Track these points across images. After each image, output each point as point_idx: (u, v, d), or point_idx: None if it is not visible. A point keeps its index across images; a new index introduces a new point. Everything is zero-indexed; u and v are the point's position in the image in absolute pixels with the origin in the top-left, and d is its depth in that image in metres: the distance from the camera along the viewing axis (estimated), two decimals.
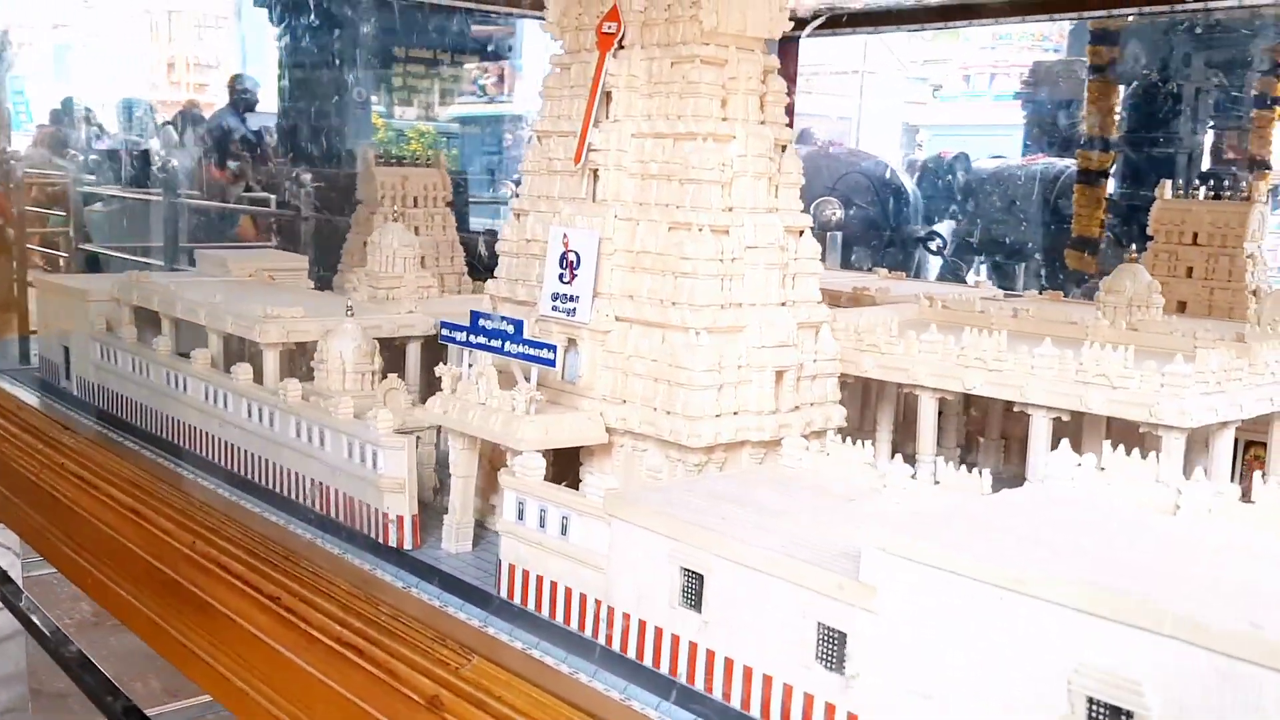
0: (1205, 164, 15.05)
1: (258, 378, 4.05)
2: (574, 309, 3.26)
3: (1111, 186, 15.44)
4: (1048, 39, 23.44)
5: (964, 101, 22.62)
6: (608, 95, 3.32)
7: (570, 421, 3.13)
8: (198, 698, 6.11)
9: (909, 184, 15.29)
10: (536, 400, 3.10)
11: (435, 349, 4.46)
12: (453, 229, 6.61)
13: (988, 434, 3.89)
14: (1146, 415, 2.95)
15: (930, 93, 22.87)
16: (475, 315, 3.26)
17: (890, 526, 2.15)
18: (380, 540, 3.35)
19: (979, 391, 3.34)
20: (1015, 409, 3.31)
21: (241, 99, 18.27)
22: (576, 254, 3.26)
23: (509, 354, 3.15)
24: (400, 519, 3.33)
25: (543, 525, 2.87)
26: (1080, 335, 3.87)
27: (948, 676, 2.02)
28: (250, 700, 3.25)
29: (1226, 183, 6.09)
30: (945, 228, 14.51)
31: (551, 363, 3.04)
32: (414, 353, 4.41)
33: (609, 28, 3.28)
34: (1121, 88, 14.90)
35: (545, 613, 2.87)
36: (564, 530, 2.81)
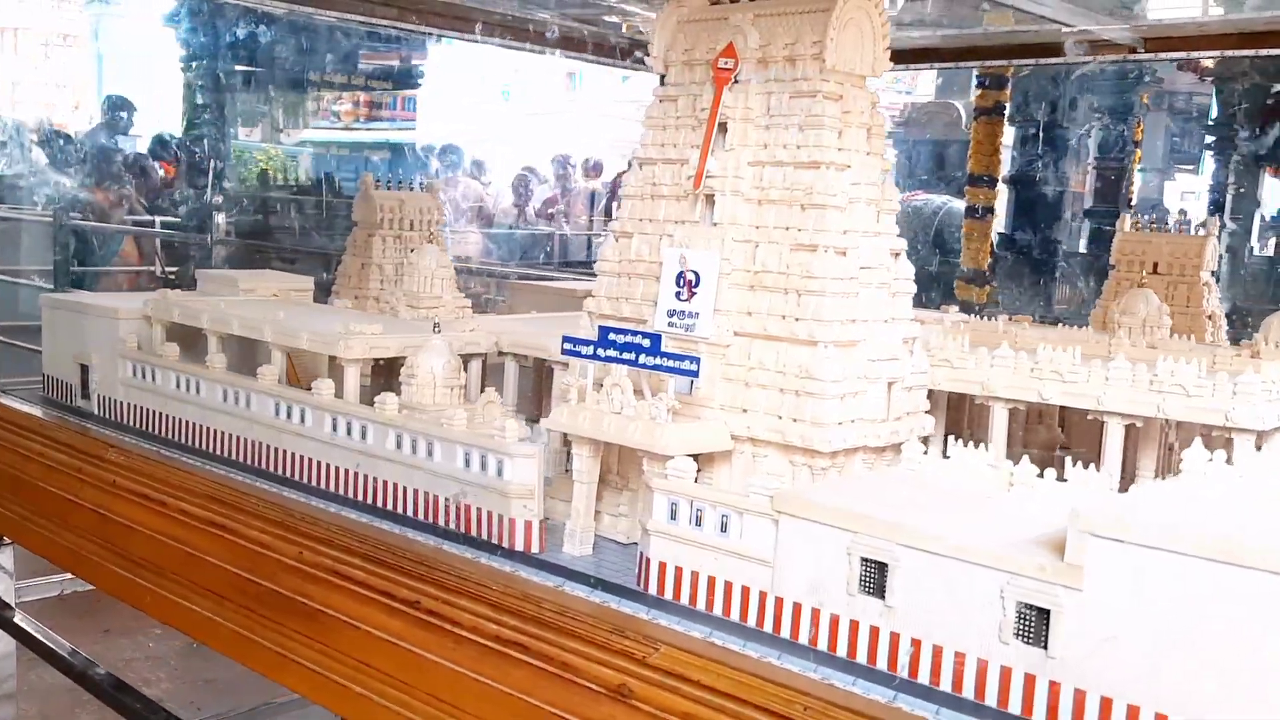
0: (1088, 202, 16.00)
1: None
2: (693, 324, 3.47)
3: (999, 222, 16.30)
4: (900, 81, 24.61)
5: None
6: (722, 126, 3.55)
7: (703, 429, 3.33)
8: None
9: None
10: (675, 409, 3.30)
11: (495, 366, 4.62)
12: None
13: (1053, 443, 4.21)
14: (1223, 420, 3.31)
15: None
16: (604, 330, 3.44)
17: (1089, 510, 2.42)
18: (506, 545, 3.49)
19: (1055, 401, 3.67)
20: (1089, 417, 3.64)
21: (117, 119, 17.84)
22: (695, 273, 3.48)
23: (644, 366, 3.34)
24: (529, 524, 3.47)
25: (698, 524, 3.07)
26: (1103, 352, 4.25)
27: (1158, 649, 2.30)
28: (374, 705, 3.35)
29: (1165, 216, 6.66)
30: None
31: (695, 374, 3.25)
32: (475, 369, 4.54)
33: (726, 64, 3.52)
34: (1008, 129, 15.80)
35: (702, 606, 3.06)
36: (724, 528, 3.02)
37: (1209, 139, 17.56)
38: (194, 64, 16.93)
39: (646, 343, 3.33)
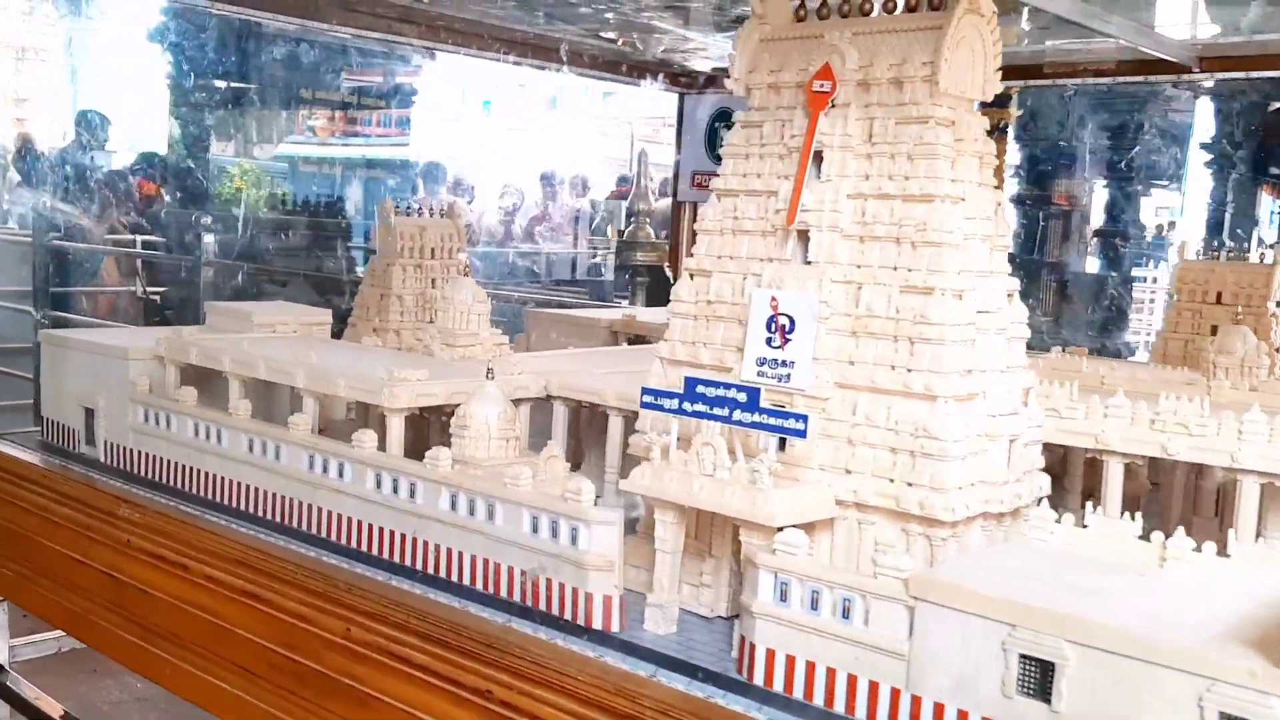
0: (1099, 222, 15.78)
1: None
2: (788, 374, 3.12)
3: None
4: None
5: None
6: (817, 155, 3.21)
7: (808, 495, 2.98)
8: None
9: None
10: (776, 471, 2.95)
11: (545, 410, 4.26)
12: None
13: (1139, 491, 3.89)
14: None
15: None
16: (691, 382, 3.09)
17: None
18: (583, 623, 3.12)
19: (1182, 457, 3.34)
20: (1220, 474, 3.31)
21: (91, 136, 17.38)
22: (790, 318, 3.13)
23: (740, 424, 2.99)
24: (608, 600, 3.11)
25: (815, 608, 2.71)
26: (1197, 393, 3.92)
27: None
28: None
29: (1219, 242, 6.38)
30: None
31: (802, 433, 2.89)
32: (524, 415, 4.17)
33: (821, 86, 3.18)
34: (1013, 148, 15.56)
35: (819, 702, 2.70)
36: (846, 614, 2.66)
37: (1206, 157, 17.40)
38: (180, 79, 16.49)
39: (743, 397, 2.97)
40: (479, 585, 3.39)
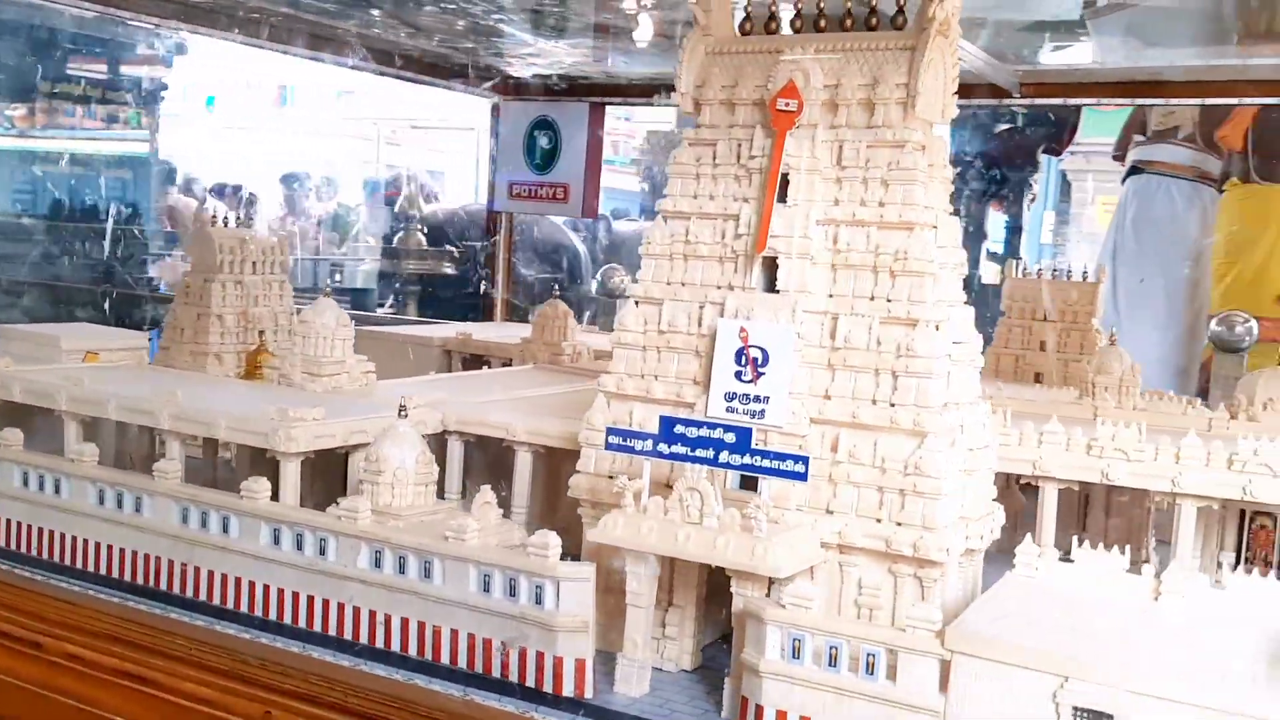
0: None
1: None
2: (762, 410, 2.94)
3: None
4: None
5: None
6: (782, 178, 3.04)
7: (804, 539, 2.80)
8: None
9: (578, 244, 15.53)
10: (769, 518, 2.75)
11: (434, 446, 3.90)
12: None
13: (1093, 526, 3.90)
14: None
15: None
16: (668, 421, 2.85)
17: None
18: (551, 690, 2.83)
19: (1123, 483, 3.38)
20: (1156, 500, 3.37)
21: None
22: (763, 350, 2.95)
23: (729, 466, 2.78)
24: (580, 664, 2.82)
25: (833, 665, 2.54)
26: (1089, 415, 4.04)
27: None
28: None
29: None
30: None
31: (803, 476, 2.71)
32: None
33: (786, 105, 3.01)
34: None
35: None
36: (870, 670, 2.50)
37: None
38: None
39: (731, 438, 2.76)
40: (416, 652, 3.03)
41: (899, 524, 2.83)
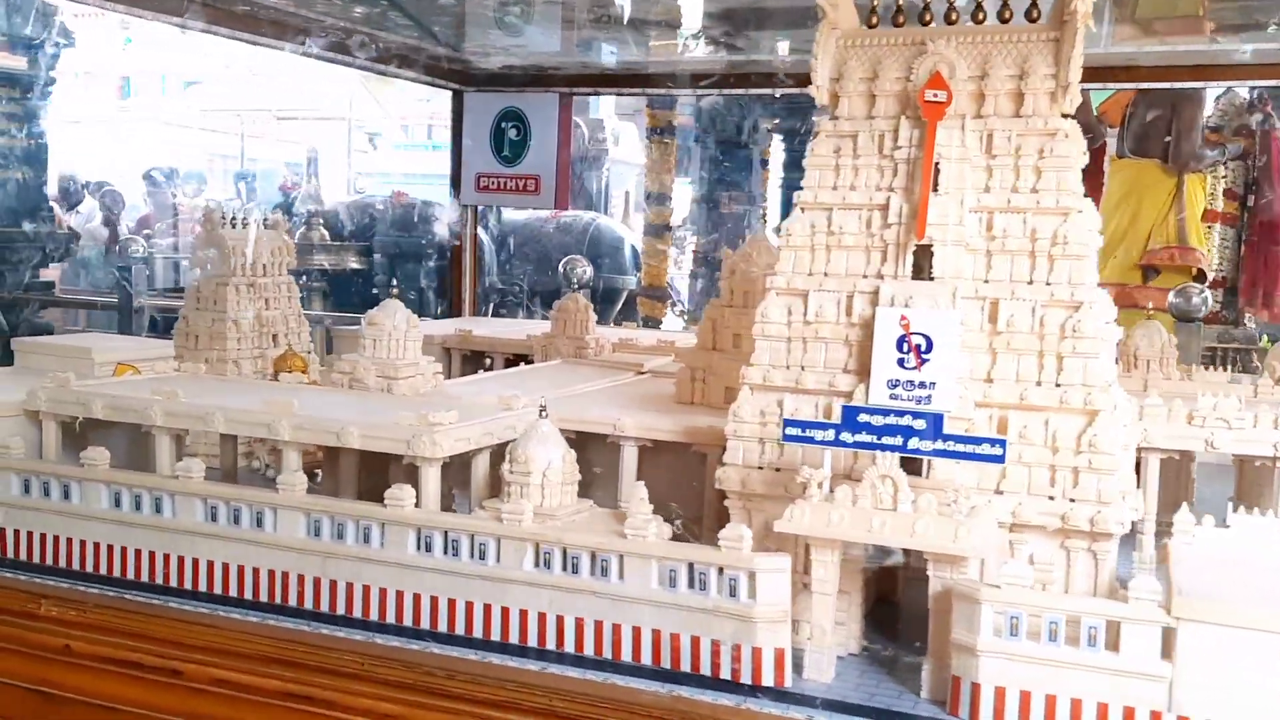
0: (777, 219, 16.69)
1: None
2: (928, 396, 3.01)
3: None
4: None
5: (403, 151, 23.05)
6: (931, 167, 3.10)
7: (988, 521, 2.88)
8: None
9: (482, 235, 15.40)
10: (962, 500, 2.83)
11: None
12: (297, 300, 5.69)
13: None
14: None
15: (368, 140, 23.30)
16: (851, 410, 2.89)
17: None
18: (750, 680, 2.85)
19: (1227, 449, 3.56)
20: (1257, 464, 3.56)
21: None
22: (926, 337, 3.02)
23: (919, 453, 2.84)
24: (780, 653, 2.85)
25: (1053, 639, 2.63)
26: (1137, 387, 4.24)
27: None
28: None
29: None
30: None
31: (1000, 459, 2.78)
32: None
33: (935, 95, 3.08)
34: (696, 149, 16.19)
35: None
36: (1091, 642, 2.60)
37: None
38: None
39: (921, 424, 2.82)
40: (593, 651, 3.01)
41: (1073, 500, 2.93)
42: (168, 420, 3.54)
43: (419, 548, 3.19)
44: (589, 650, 3.03)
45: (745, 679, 2.86)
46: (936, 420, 2.83)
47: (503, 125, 7.84)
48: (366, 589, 3.24)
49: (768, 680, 2.85)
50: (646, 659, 2.97)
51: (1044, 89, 3.05)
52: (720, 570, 2.88)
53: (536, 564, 3.08)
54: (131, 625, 3.20)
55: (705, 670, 2.91)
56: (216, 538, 3.40)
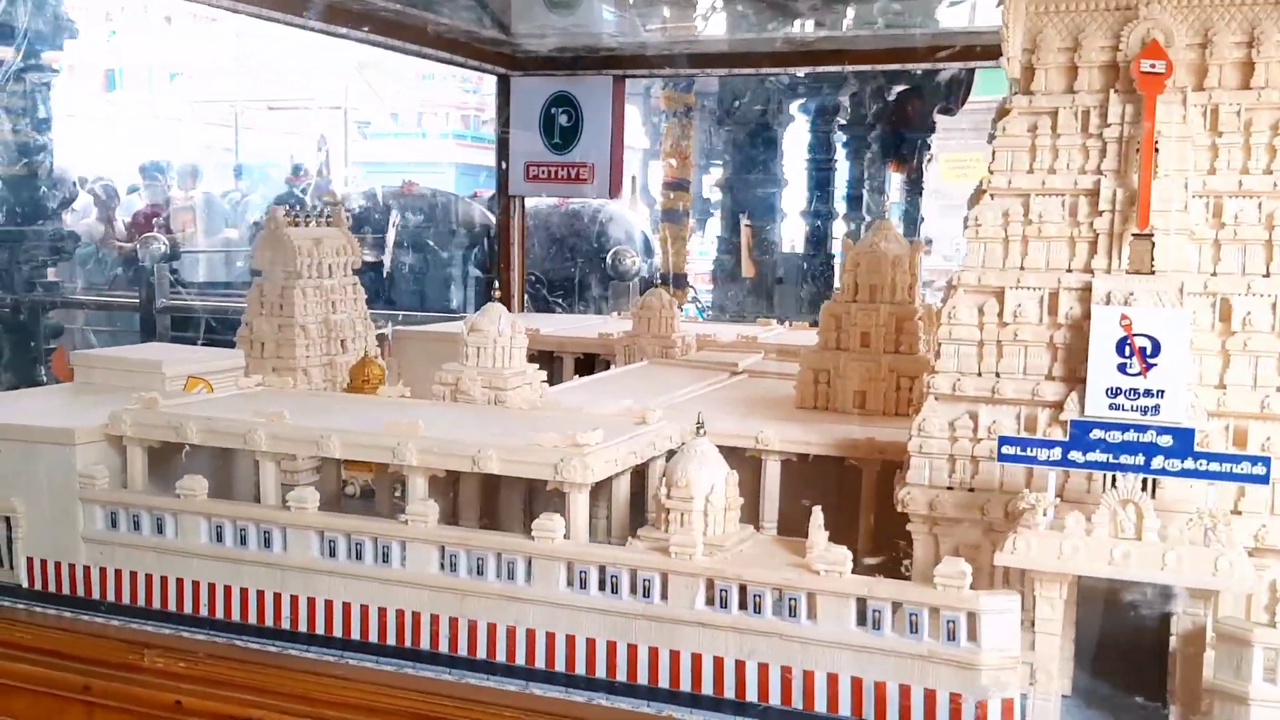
0: (804, 203, 16.33)
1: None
2: (1156, 405, 2.65)
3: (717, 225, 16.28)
4: (468, 81, 24.39)
5: (391, 140, 22.63)
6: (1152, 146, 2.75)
7: (1241, 548, 2.53)
8: None
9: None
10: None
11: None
12: (363, 302, 5.33)
13: None
14: None
15: (359, 130, 22.92)
16: (1082, 426, 2.55)
17: None
18: None
19: None
20: None
21: None
22: (1151, 339, 2.66)
23: (1165, 473, 2.49)
24: (1009, 705, 2.51)
25: None
26: None
27: None
28: None
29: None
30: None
31: (1265, 479, 2.43)
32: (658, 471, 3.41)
33: (1153, 66, 2.72)
34: (721, 131, 15.82)
35: None
36: None
37: (843, 138, 18.51)
38: None
39: (1167, 440, 2.47)
40: (780, 701, 2.66)
41: None
42: (273, 445, 3.18)
43: (574, 584, 2.83)
44: (774, 700, 2.68)
45: None
46: (1185, 436, 2.48)
47: (552, 111, 7.46)
48: (511, 631, 2.89)
49: None
50: (845, 709, 2.62)
51: (1277, 57, 2.70)
52: (935, 611, 2.53)
53: (710, 603, 2.73)
54: (251, 678, 2.85)
55: None
56: (336, 575, 3.04)
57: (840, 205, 16.05)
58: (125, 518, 3.29)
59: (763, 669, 2.68)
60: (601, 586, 2.82)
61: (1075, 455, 2.54)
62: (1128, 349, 2.69)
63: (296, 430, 3.17)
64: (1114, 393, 2.69)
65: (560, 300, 13.32)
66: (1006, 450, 2.61)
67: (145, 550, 3.26)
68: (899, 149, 17.10)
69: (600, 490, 3.14)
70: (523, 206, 7.86)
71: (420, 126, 23.31)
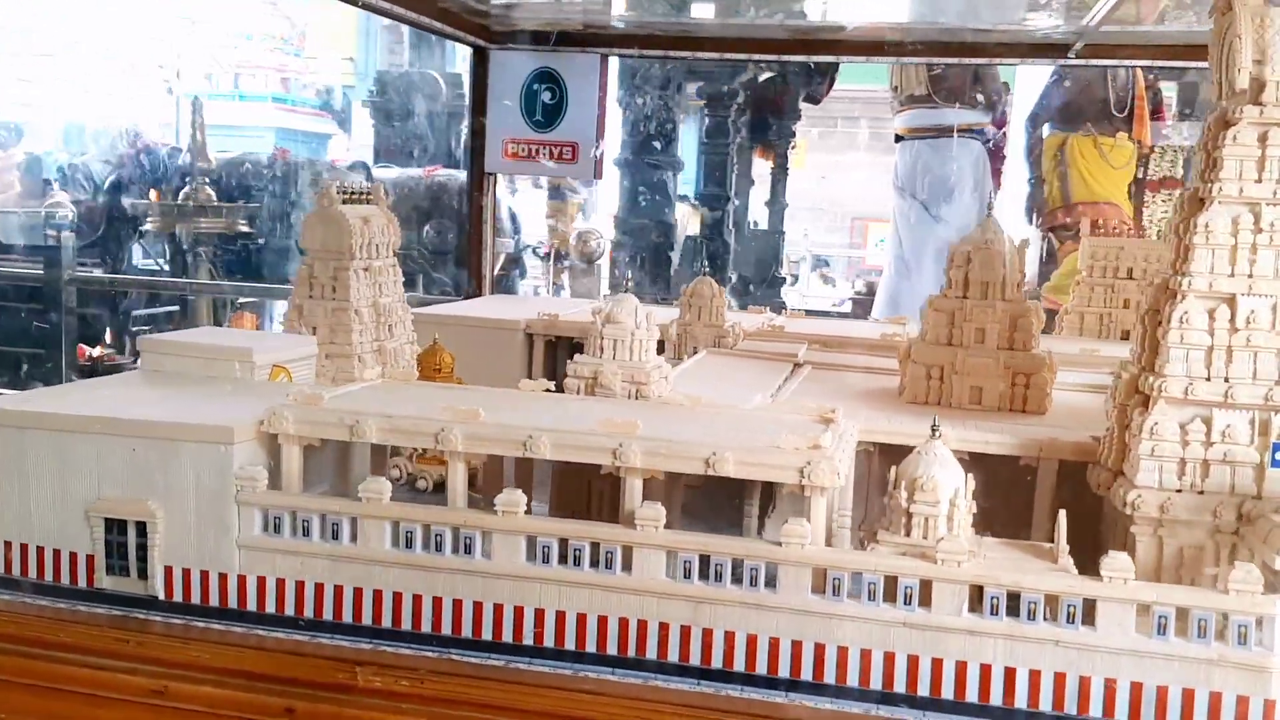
0: (699, 186, 16.39)
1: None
2: None
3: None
4: (289, 41, 23.78)
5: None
6: None
7: None
8: None
9: None
10: None
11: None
12: (401, 284, 5.09)
13: None
14: None
15: (168, 91, 22.11)
16: None
17: None
18: None
19: None
20: None
21: None
22: None
23: None
24: None
25: None
26: None
27: None
28: None
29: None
30: None
31: None
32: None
33: None
34: (619, 112, 15.74)
35: None
36: None
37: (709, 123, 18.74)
38: None
39: None
40: (1052, 707, 2.66)
41: None
42: (470, 445, 2.98)
43: (827, 591, 2.76)
44: (1045, 706, 2.68)
45: None
46: None
47: (535, 87, 7.25)
48: (752, 640, 2.80)
49: None
50: (1122, 716, 2.64)
51: None
52: (1224, 616, 2.57)
53: (977, 610, 2.70)
54: (488, 695, 2.67)
55: None
56: (549, 582, 2.88)
57: (715, 190, 16.14)
58: (291, 522, 3.03)
59: (1034, 675, 2.68)
60: (863, 594, 2.75)
61: None
62: None
63: (498, 430, 2.98)
64: None
65: (446, 280, 13.03)
66: None
67: (318, 558, 3.01)
68: (765, 135, 17.26)
69: (752, 490, 3.08)
70: (495, 184, 7.63)
71: (237, 88, 22.39)
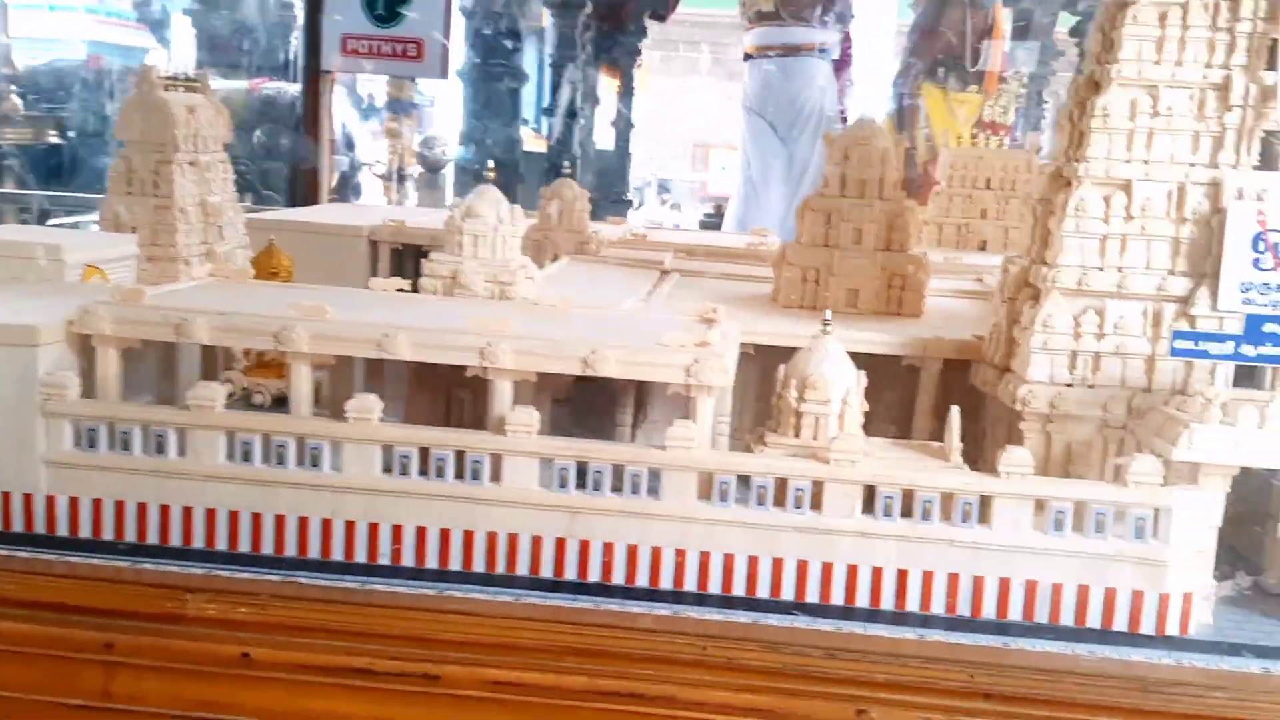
0: (546, 101, 15.92)
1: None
2: None
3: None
4: None
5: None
6: (1273, 43, 2.75)
7: None
8: None
9: None
10: None
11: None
12: (232, 184, 4.67)
13: None
14: None
15: None
16: (1256, 320, 2.54)
17: None
18: (1154, 631, 2.49)
19: None
20: None
21: None
22: None
23: None
24: (1188, 598, 2.50)
25: None
26: None
27: None
28: None
29: None
30: None
31: None
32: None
33: None
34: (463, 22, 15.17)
35: None
36: None
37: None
38: None
39: None
40: (969, 611, 2.53)
41: None
42: (316, 345, 2.65)
43: (713, 498, 2.56)
44: (937, 608, 2.55)
45: (1150, 629, 2.49)
46: None
47: None
48: (633, 550, 2.59)
49: (1170, 627, 2.50)
50: (1015, 614, 2.53)
51: None
52: (1124, 509, 2.48)
53: (871, 512, 2.54)
54: (342, 620, 2.39)
55: (1093, 623, 2.51)
56: (407, 496, 2.60)
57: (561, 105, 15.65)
58: (107, 435, 2.66)
59: (927, 577, 2.54)
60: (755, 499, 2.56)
61: (1247, 349, 2.54)
62: (1262, 245, 2.70)
63: (348, 328, 2.66)
64: (1247, 287, 2.70)
65: (275, 193, 12.35)
66: (1180, 345, 2.57)
67: (140, 475, 2.66)
68: (611, 52, 16.83)
69: (625, 399, 2.87)
70: (333, 86, 7.13)
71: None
